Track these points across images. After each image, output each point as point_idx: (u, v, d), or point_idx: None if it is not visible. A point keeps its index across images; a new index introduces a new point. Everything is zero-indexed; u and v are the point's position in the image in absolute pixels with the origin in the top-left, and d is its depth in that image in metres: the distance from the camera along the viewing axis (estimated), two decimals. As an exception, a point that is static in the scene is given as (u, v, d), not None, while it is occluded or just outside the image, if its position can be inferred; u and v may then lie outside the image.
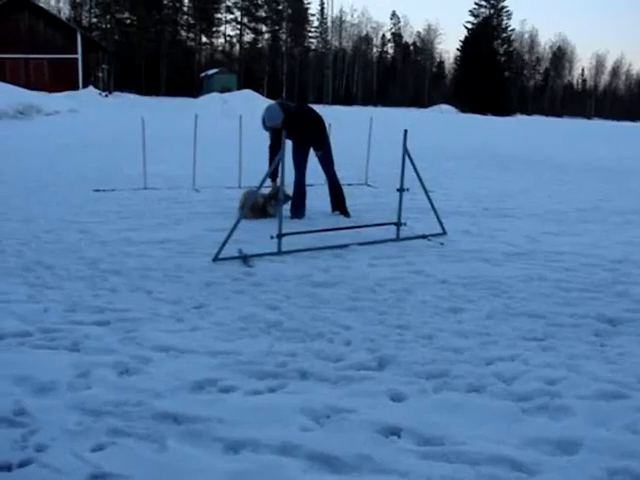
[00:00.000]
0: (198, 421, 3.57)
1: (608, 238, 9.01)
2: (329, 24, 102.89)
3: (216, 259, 6.88)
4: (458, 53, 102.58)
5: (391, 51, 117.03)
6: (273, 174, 8.55)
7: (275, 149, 8.69)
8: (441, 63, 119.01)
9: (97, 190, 11.29)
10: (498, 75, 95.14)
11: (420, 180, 8.29)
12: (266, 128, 9.24)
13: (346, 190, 9.93)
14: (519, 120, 71.04)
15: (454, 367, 4.38)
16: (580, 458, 3.33)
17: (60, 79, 52.39)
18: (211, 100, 45.71)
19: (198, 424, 3.54)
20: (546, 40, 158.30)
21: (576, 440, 3.48)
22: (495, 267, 7.15)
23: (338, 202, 9.80)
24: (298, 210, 9.49)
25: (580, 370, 4.41)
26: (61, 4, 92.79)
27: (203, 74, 78.08)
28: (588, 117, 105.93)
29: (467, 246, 8.08)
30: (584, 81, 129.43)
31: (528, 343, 4.91)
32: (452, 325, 5.24)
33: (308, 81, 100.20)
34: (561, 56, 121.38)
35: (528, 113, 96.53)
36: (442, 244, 8.07)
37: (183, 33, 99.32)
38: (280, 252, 7.24)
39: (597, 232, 9.39)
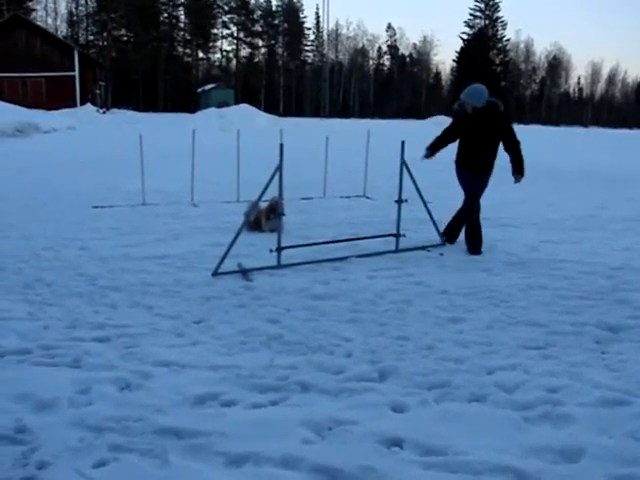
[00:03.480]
0: (200, 435, 3.56)
1: (607, 245, 9.02)
2: (325, 37, 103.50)
3: (215, 273, 6.88)
4: (454, 64, 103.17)
5: (387, 63, 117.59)
6: (433, 145, 8.41)
7: (447, 137, 8.38)
8: (437, 74, 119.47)
9: (96, 207, 11.30)
10: (494, 85, 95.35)
11: (418, 191, 8.30)
12: (457, 108, 8.35)
13: (344, 203, 9.91)
14: (516, 129, 71.00)
15: (455, 377, 4.38)
16: (583, 466, 3.33)
17: (58, 97, 52.64)
18: (208, 115, 45.90)
19: (200, 438, 3.53)
20: (542, 49, 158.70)
21: (579, 448, 3.47)
22: (495, 276, 7.15)
23: (454, 229, 8.66)
24: (477, 244, 8.40)
25: (581, 378, 4.40)
26: (58, 22, 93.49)
27: (200, 89, 78.54)
28: (585, 125, 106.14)
29: (466, 256, 8.09)
30: (580, 90, 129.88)
31: (529, 352, 4.91)
32: (452, 335, 5.24)
33: (305, 94, 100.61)
34: (557, 65, 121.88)
35: (525, 122, 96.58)
36: (442, 254, 8.08)
37: (180, 49, 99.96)
38: (279, 265, 7.24)
39: (596, 240, 9.40)
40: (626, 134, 69.25)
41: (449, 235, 8.60)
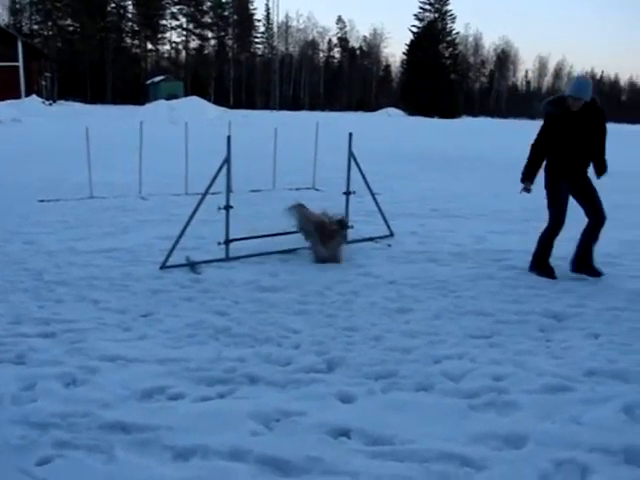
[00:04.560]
0: (147, 430, 3.54)
1: (553, 236, 9.16)
2: (275, 29, 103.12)
3: (164, 267, 6.82)
4: (404, 57, 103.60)
5: (338, 55, 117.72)
6: (530, 169, 7.01)
7: (544, 148, 6.94)
8: (387, 67, 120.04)
9: (42, 200, 11.10)
10: (444, 78, 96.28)
11: (366, 182, 8.34)
12: (548, 109, 6.96)
13: (294, 194, 9.89)
14: (465, 122, 71.89)
15: (402, 367, 4.42)
16: (527, 451, 3.40)
17: (1, 88, 51.31)
18: (157, 107, 45.42)
19: (147, 433, 3.51)
20: (490, 43, 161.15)
21: (523, 434, 3.55)
22: (443, 267, 7.24)
23: (585, 257, 7.10)
24: (539, 264, 7.24)
25: (526, 365, 4.50)
26: (0, 10, 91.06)
27: (149, 81, 77.75)
28: (533, 117, 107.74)
29: (415, 247, 8.15)
30: (528, 83, 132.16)
31: (475, 341, 4.99)
32: (400, 325, 5.29)
33: (255, 87, 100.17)
34: (505, 58, 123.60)
35: (474, 115, 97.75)
36: (390, 246, 8.12)
37: (128, 40, 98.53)
38: (228, 258, 7.22)
39: (541, 230, 9.53)
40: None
41: (539, 264, 7.20)
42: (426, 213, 10.83)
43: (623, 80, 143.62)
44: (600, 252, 8.18)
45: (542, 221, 10.26)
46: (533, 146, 7.00)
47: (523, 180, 7.07)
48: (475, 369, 4.41)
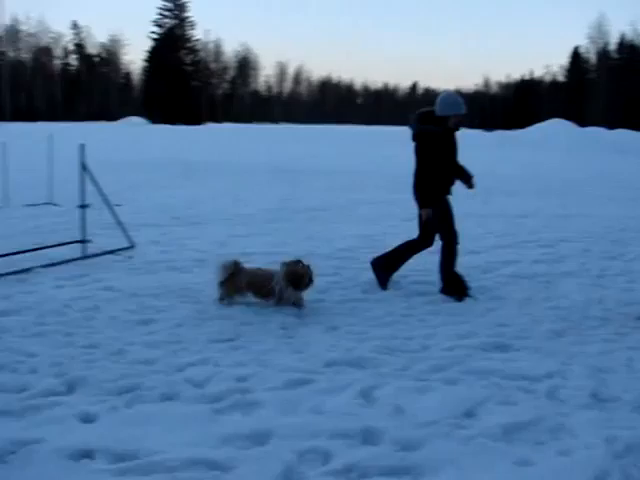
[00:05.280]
0: None
1: (293, 235, 9.55)
2: (1, 33, 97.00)
3: None
4: (145, 64, 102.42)
5: (75, 63, 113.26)
6: (430, 197, 6.60)
7: (434, 169, 6.55)
8: (128, 74, 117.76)
9: None
10: (186, 85, 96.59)
11: (101, 194, 8.12)
12: (416, 129, 6.60)
13: (29, 211, 9.40)
14: (209, 128, 72.59)
15: (146, 379, 4.37)
16: (271, 446, 3.51)
17: None
18: None
19: None
20: (231, 50, 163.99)
21: (267, 430, 3.66)
22: (185, 274, 7.28)
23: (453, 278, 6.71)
24: (457, 287, 6.66)
25: (269, 363, 4.67)
26: None
27: None
28: (275, 122, 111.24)
29: (156, 257, 8.08)
30: (269, 88, 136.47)
31: (219, 345, 5.07)
32: (143, 337, 5.23)
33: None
34: (246, 64, 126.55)
35: (218, 121, 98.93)
36: (130, 257, 7.97)
37: None
38: (-48, 284, 6.67)
39: (283, 230, 9.92)
40: (313, 128, 73.80)
41: (454, 286, 6.66)
42: (168, 222, 10.80)
43: (358, 84, 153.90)
44: (336, 247, 8.70)
45: (283, 222, 10.73)
46: (423, 170, 6.60)
47: (425, 206, 6.65)
48: (219, 373, 4.47)
